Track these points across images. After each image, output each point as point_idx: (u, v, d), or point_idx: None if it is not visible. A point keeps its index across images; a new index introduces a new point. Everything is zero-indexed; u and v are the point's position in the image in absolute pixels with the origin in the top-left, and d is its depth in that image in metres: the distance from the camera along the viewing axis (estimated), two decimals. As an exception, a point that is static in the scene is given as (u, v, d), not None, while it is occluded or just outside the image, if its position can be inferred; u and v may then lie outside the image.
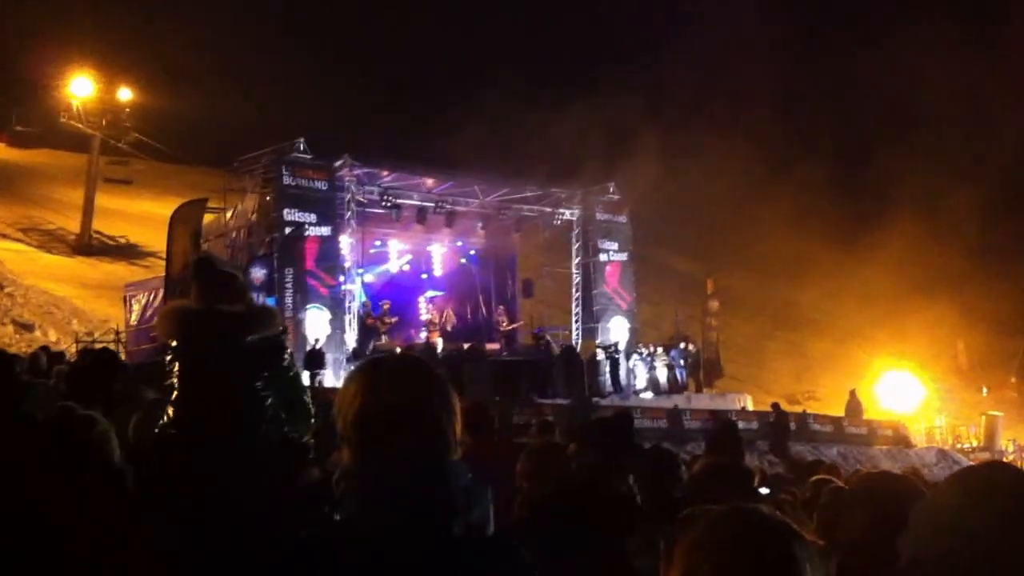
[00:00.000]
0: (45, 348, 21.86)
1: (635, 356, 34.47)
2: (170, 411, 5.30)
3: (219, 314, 5.34)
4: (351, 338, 30.39)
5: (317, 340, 28.36)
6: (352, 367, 27.50)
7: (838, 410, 37.31)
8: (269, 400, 5.36)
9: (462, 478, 2.69)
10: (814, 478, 8.21)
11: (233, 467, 4.97)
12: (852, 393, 37.60)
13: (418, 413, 2.73)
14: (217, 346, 5.30)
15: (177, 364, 5.36)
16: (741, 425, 31.35)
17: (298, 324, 28.48)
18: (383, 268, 34.05)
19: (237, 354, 5.30)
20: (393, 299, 32.99)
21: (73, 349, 27.48)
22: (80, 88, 47.33)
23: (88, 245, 48.10)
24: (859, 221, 60.04)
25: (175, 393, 5.32)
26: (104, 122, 47.56)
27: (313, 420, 5.76)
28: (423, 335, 32.64)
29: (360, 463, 2.70)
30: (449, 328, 33.54)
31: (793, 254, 58.40)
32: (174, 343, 5.42)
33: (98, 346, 28.73)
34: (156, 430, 5.44)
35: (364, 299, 32.30)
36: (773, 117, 64.48)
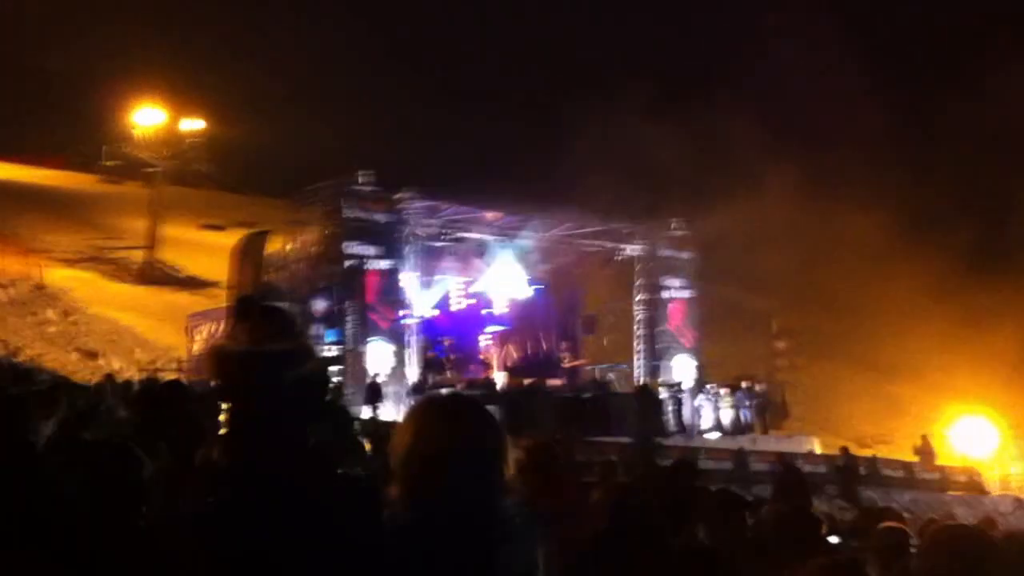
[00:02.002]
0: (110, 376, 21.87)
1: (700, 396, 33.88)
2: (217, 452, 5.16)
3: (256, 355, 5.19)
4: (412, 372, 30.07)
5: (377, 374, 28.13)
6: (412, 401, 27.63)
7: (909, 455, 36.37)
8: (314, 437, 5.16)
9: (507, 518, 2.79)
10: (883, 526, 7.68)
11: (286, 505, 4.72)
12: (924, 438, 36.71)
13: (466, 454, 2.83)
14: (258, 386, 5.13)
15: (225, 403, 5.22)
16: (808, 469, 30.80)
17: (359, 357, 28.38)
18: (444, 302, 33.72)
19: (278, 393, 5.12)
20: (454, 334, 32.76)
21: (137, 378, 27.55)
22: (145, 118, 47.73)
23: (152, 274, 48.39)
24: (937, 263, 58.96)
25: (224, 432, 5.18)
26: (169, 153, 47.91)
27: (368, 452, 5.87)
28: (485, 371, 32.30)
29: (408, 501, 2.86)
30: (511, 364, 33.24)
31: (865, 295, 57.48)
32: (217, 383, 5.34)
33: (161, 375, 28.79)
34: (205, 470, 5.38)
35: (424, 334, 32.03)
36: (849, 156, 63.40)
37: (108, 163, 51.71)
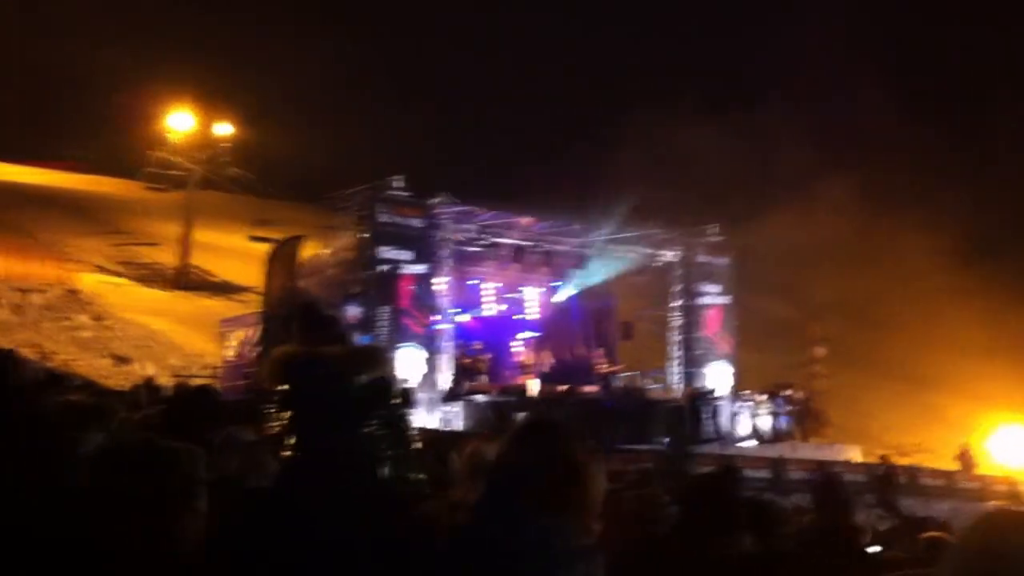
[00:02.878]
0: (149, 381, 21.71)
1: (737, 403, 33.51)
2: (285, 455, 5.36)
3: (326, 356, 5.44)
4: (445, 378, 29.83)
5: (408, 380, 27.88)
6: (446, 408, 27.40)
7: (948, 464, 35.97)
8: (381, 440, 5.41)
9: (563, 542, 2.89)
10: (926, 535, 7.76)
11: (350, 508, 4.97)
12: (964, 446, 36.34)
13: (537, 476, 3.02)
14: (327, 388, 5.37)
15: (288, 410, 5.43)
16: (847, 477, 30.39)
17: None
18: (478, 308, 33.49)
19: (345, 396, 5.37)
20: (488, 339, 32.57)
21: (171, 383, 27.40)
22: (179, 123, 47.66)
23: (186, 279, 48.35)
24: (975, 271, 58.39)
25: (291, 438, 5.37)
26: (203, 157, 47.83)
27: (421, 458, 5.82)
28: (518, 377, 32.05)
29: (474, 512, 3.05)
30: (545, 370, 32.97)
31: (903, 304, 56.97)
32: (282, 387, 5.51)
33: (194, 381, 28.62)
34: (275, 475, 5.52)
35: (458, 340, 31.82)
36: (889, 169, 62.99)
37: (150, 170, 51.64)
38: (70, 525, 3.86)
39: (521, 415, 18.79)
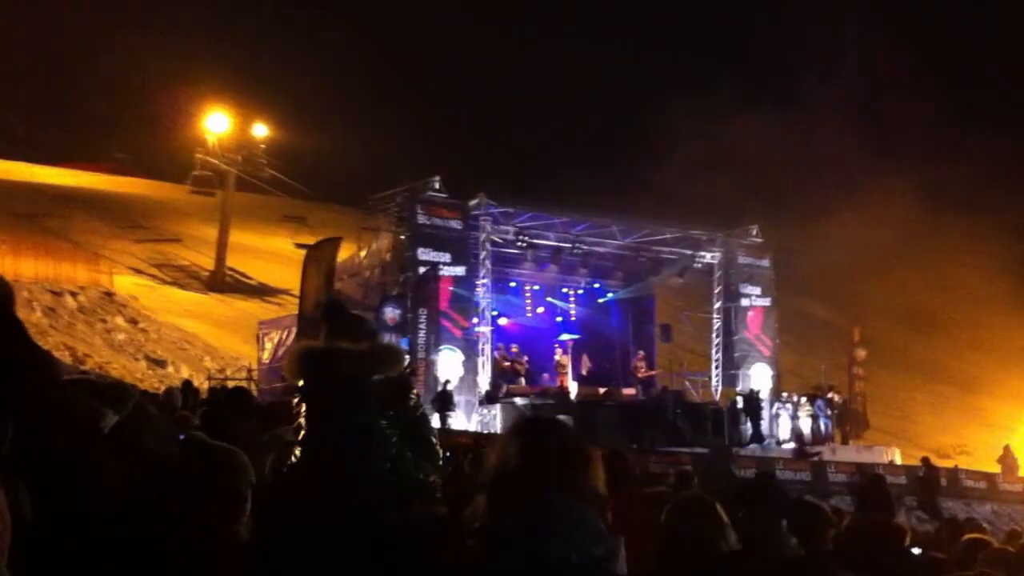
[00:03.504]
0: (188, 383, 21.62)
1: (778, 405, 33.25)
2: (297, 451, 5.38)
3: (342, 352, 5.40)
4: (484, 380, 29.68)
5: (448, 381, 27.74)
6: (484, 411, 27.25)
7: (990, 466, 35.63)
8: (394, 439, 5.34)
9: (591, 527, 2.91)
10: (967, 537, 7.85)
11: (357, 504, 4.97)
12: (1007, 448, 36.01)
13: (549, 475, 2.97)
14: (341, 385, 5.34)
15: (304, 404, 5.41)
16: (888, 479, 30.01)
17: (430, 365, 28.11)
18: (517, 310, 33.29)
19: (361, 393, 5.33)
20: (527, 342, 32.44)
21: (205, 386, 27.36)
22: (216, 124, 47.62)
23: (222, 282, 48.30)
24: (1015, 276, 57.89)
25: (302, 433, 5.38)
26: (240, 158, 47.75)
27: (441, 462, 5.82)
28: (558, 379, 31.87)
29: (492, 516, 2.99)
30: (584, 372, 32.81)
31: (944, 305, 56.56)
32: (300, 383, 5.49)
33: (230, 384, 28.60)
34: (283, 470, 5.60)
35: (496, 343, 31.67)
36: (929, 168, 62.41)
37: (195, 173, 51.63)
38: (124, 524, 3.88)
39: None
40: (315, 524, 4.86)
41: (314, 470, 5.22)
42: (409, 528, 4.92)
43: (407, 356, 28.53)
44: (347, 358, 5.36)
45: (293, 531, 4.86)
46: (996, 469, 34.88)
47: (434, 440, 5.64)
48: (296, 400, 5.47)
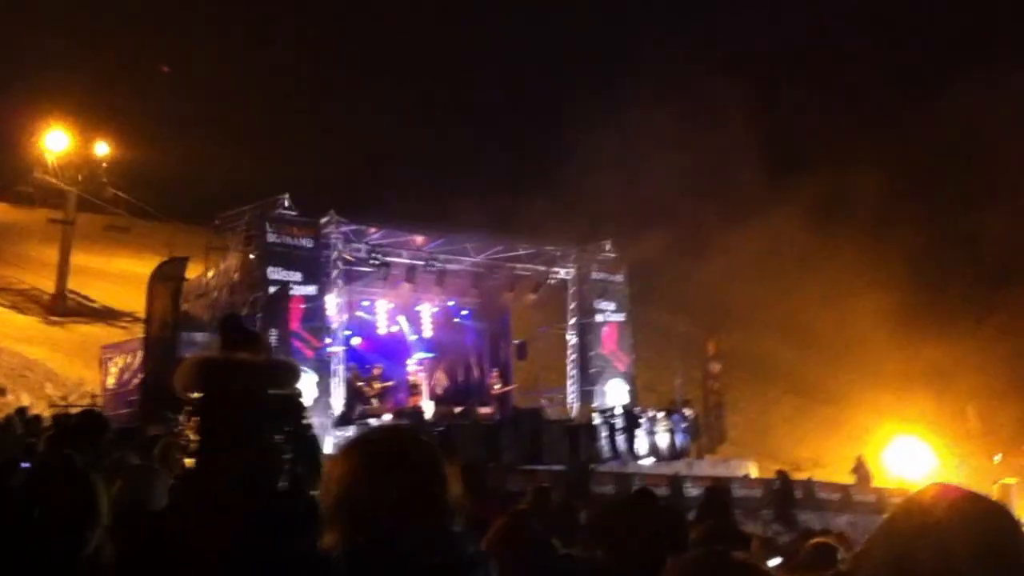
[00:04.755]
0: (21, 410, 20.97)
1: (635, 420, 33.30)
2: (188, 461, 5.26)
3: (244, 364, 5.34)
4: (337, 402, 29.19)
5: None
6: (339, 432, 26.70)
7: (844, 477, 36.23)
8: (288, 455, 5.24)
9: (467, 548, 2.75)
10: (812, 542, 7.82)
11: (248, 520, 4.76)
12: (859, 459, 36.68)
13: (411, 491, 2.69)
14: (240, 396, 5.24)
15: (199, 416, 5.26)
16: (744, 493, 30.54)
17: (281, 387, 27.41)
18: (371, 330, 32.87)
19: (258, 406, 5.25)
20: (382, 361, 31.98)
21: (47, 413, 26.51)
22: (55, 142, 46.43)
23: (63, 306, 46.96)
24: (860, 280, 59.06)
25: (192, 444, 5.24)
26: (80, 177, 46.60)
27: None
28: (412, 399, 31.59)
29: (351, 546, 2.69)
30: (440, 391, 32.63)
31: (796, 317, 57.35)
32: (195, 395, 5.32)
33: (73, 410, 27.66)
34: (175, 479, 5.46)
35: (350, 363, 31.19)
36: (775, 175, 63.27)
37: (22, 189, 50.12)
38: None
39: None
40: (216, 541, 4.61)
41: (212, 483, 5.06)
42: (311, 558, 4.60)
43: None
44: (248, 370, 5.30)
45: (191, 549, 4.63)
46: (851, 480, 35.46)
47: (322, 462, 5.39)
48: (188, 410, 5.30)
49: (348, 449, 2.90)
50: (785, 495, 30.12)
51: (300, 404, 5.66)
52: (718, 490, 9.90)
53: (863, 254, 58.57)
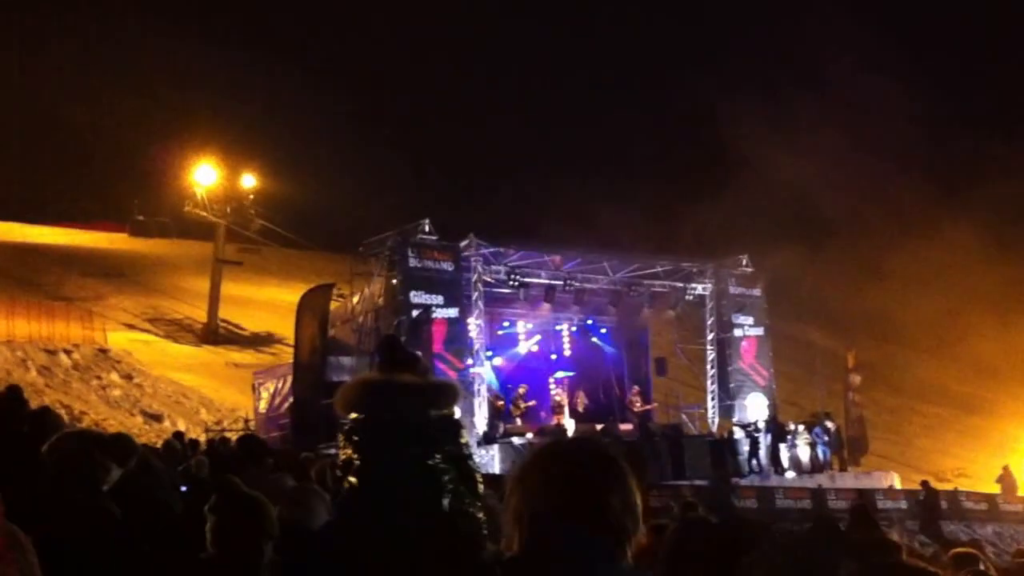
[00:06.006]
0: (179, 435, 21.64)
1: (776, 434, 33.21)
2: (350, 483, 5.22)
3: (404, 385, 5.27)
4: (480, 422, 29.64)
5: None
6: (482, 451, 27.17)
7: (989, 487, 35.54)
8: (449, 476, 5.21)
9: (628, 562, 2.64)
10: (954, 551, 7.81)
11: (418, 539, 4.88)
12: (1006, 468, 35.86)
13: (589, 506, 2.62)
14: (402, 417, 5.21)
15: (358, 437, 5.26)
16: (889, 504, 30.29)
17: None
18: (512, 350, 33.28)
19: (420, 427, 5.21)
20: (523, 381, 32.31)
21: (203, 438, 27.38)
22: (204, 177, 47.72)
23: (215, 334, 48.28)
24: (1010, 289, 57.73)
25: (354, 466, 5.23)
26: (228, 210, 47.83)
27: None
28: (554, 417, 31.83)
29: (527, 555, 2.63)
30: (580, 409, 32.76)
31: (938, 327, 56.39)
32: (352, 415, 5.32)
33: (228, 435, 28.60)
34: (337, 499, 5.54)
35: (494, 382, 31.62)
36: (914, 185, 62.24)
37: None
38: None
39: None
40: (387, 559, 4.77)
41: (378, 503, 5.13)
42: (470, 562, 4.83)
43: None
44: (409, 391, 5.27)
45: (362, 567, 4.77)
46: (996, 490, 34.84)
47: (480, 481, 5.51)
48: (347, 431, 5.35)
49: (533, 459, 2.80)
50: (930, 506, 29.77)
51: (459, 424, 5.57)
52: (861, 507, 9.93)
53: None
